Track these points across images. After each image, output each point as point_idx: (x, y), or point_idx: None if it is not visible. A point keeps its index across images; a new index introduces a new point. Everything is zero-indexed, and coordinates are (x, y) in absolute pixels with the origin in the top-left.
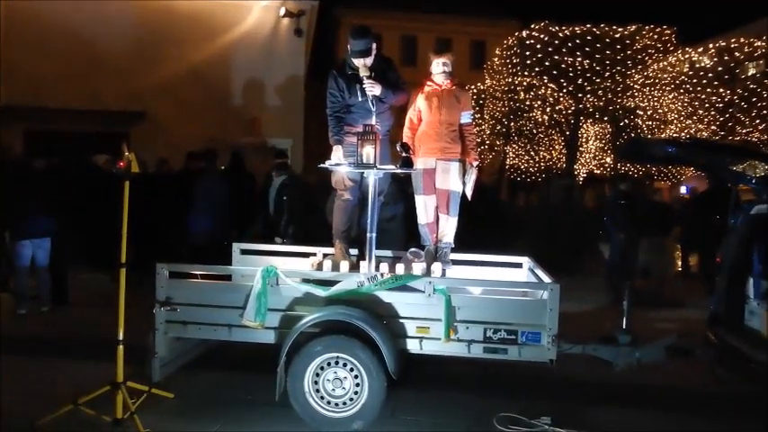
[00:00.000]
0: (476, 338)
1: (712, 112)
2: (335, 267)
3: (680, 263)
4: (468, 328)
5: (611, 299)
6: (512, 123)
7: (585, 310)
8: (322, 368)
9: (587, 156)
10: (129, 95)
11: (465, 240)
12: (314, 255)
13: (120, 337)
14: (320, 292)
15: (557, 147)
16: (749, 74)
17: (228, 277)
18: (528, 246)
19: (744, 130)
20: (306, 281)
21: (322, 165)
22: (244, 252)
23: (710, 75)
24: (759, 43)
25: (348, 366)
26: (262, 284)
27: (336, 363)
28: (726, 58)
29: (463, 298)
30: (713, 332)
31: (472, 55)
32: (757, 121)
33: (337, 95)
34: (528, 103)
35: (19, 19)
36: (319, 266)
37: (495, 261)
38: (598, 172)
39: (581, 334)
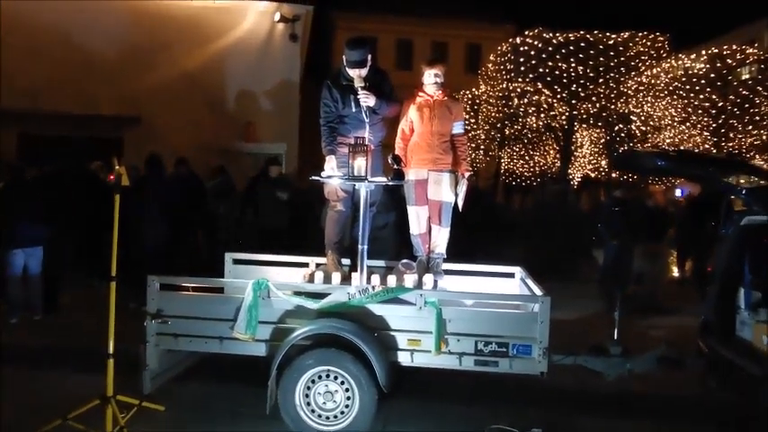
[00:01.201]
0: (467, 351)
1: (705, 118)
2: (327, 279)
3: (674, 269)
4: (459, 340)
5: (605, 306)
6: (506, 129)
7: (579, 317)
8: (313, 381)
9: (582, 160)
10: (124, 100)
11: (461, 245)
12: (306, 265)
13: (111, 350)
14: (311, 304)
15: (551, 152)
16: (742, 79)
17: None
18: (522, 251)
19: (737, 136)
20: (297, 293)
21: (314, 177)
22: (236, 262)
23: (703, 81)
24: (751, 50)
25: (339, 380)
26: (253, 297)
27: (327, 376)
28: (718, 64)
29: (454, 310)
30: (704, 342)
31: (468, 58)
32: (750, 127)
33: (331, 106)
34: (522, 108)
35: (14, 24)
36: (311, 278)
37: (488, 271)
38: (593, 176)
39: (574, 342)
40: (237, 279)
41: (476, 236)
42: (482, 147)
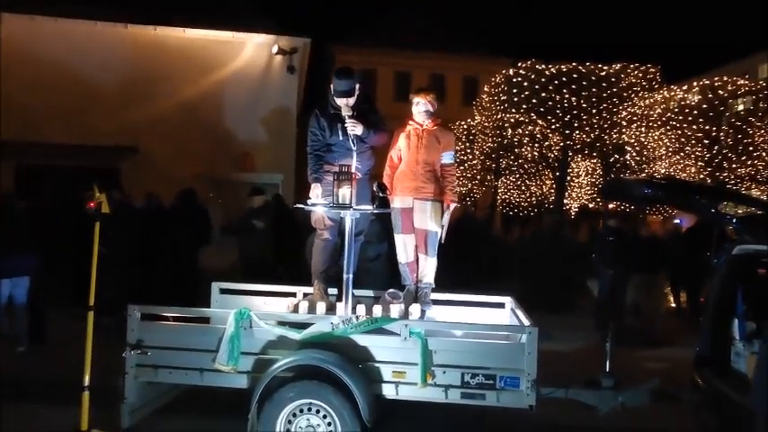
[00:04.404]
0: (453, 383)
1: (699, 149)
2: (312, 308)
3: (670, 300)
4: (445, 372)
5: (599, 337)
6: (502, 159)
7: (574, 349)
8: (294, 415)
9: (579, 190)
10: (122, 130)
11: (456, 276)
12: (294, 295)
13: (86, 382)
14: (294, 335)
15: (547, 182)
16: (735, 111)
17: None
18: (518, 281)
19: (732, 166)
20: (280, 323)
21: (299, 205)
22: (223, 291)
23: (696, 112)
24: (743, 81)
25: (321, 413)
26: (235, 327)
27: (309, 409)
28: (711, 95)
29: (440, 341)
30: (700, 375)
31: (465, 91)
32: (744, 158)
33: (318, 134)
34: (517, 138)
35: (14, 55)
36: (296, 308)
37: (478, 301)
38: (591, 206)
39: (568, 375)
40: (221, 309)
41: (470, 266)
42: (478, 177)
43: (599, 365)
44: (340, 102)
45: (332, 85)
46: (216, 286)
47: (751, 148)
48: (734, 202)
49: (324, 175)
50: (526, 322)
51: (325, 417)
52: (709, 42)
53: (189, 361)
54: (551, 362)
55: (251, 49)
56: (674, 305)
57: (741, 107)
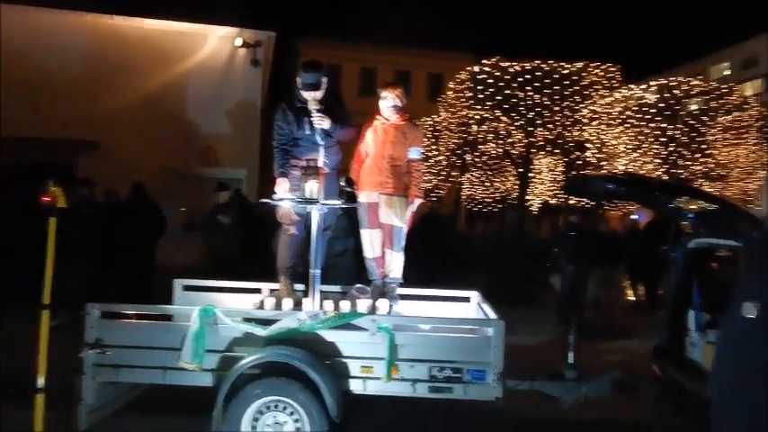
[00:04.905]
0: (421, 377)
1: (656, 146)
2: (279, 305)
3: (629, 294)
4: (413, 366)
5: (562, 331)
6: (466, 155)
7: (538, 343)
8: (261, 412)
9: (541, 187)
10: (81, 123)
11: (422, 271)
12: (260, 291)
13: (41, 384)
14: (260, 331)
15: (511, 178)
16: (689, 110)
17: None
18: (482, 276)
19: (686, 163)
20: (246, 320)
21: (265, 199)
22: (187, 288)
23: (653, 110)
24: (696, 82)
25: (288, 410)
26: (199, 324)
27: (276, 406)
28: (667, 95)
29: (408, 336)
30: (658, 366)
31: (430, 87)
32: (697, 155)
33: (284, 128)
34: (481, 135)
35: None
36: (262, 304)
37: (444, 296)
38: (553, 202)
39: (532, 368)
40: (184, 306)
41: (436, 261)
42: (443, 173)
43: (562, 358)
44: (307, 95)
45: (298, 79)
46: (179, 283)
47: (704, 146)
48: (690, 198)
49: (290, 169)
50: (492, 316)
51: (292, 413)
52: (666, 43)
53: (151, 360)
54: (516, 355)
55: (214, 42)
56: (632, 298)
57: (695, 107)
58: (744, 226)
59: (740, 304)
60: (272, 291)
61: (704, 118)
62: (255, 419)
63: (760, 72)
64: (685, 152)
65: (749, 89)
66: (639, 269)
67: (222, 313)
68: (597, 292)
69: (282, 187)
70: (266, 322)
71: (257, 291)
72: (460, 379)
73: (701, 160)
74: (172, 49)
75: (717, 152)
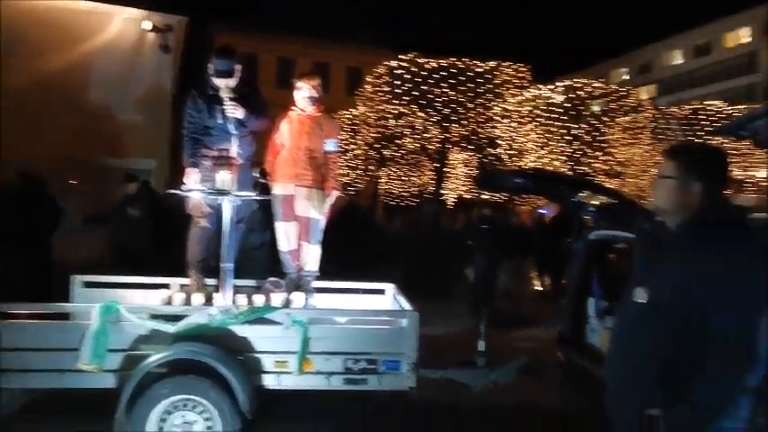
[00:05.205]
0: (336, 370)
1: (562, 144)
2: (189, 300)
3: (537, 284)
4: (327, 359)
5: (474, 321)
6: (384, 149)
7: (452, 332)
8: (169, 412)
9: (456, 182)
10: None
11: (338, 265)
12: (168, 286)
13: None
14: (168, 328)
15: (427, 173)
16: (592, 111)
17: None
18: (399, 269)
19: (588, 161)
20: (153, 316)
21: (173, 190)
22: (88, 285)
23: (560, 110)
24: (597, 84)
25: (198, 408)
26: (100, 323)
27: (185, 405)
28: (572, 95)
29: (323, 329)
30: (561, 351)
31: (349, 81)
32: (598, 153)
33: (195, 116)
34: (399, 130)
35: None
36: (170, 299)
37: (360, 288)
38: (468, 197)
39: (443, 357)
40: (84, 303)
41: (352, 254)
42: (361, 167)
43: (474, 346)
44: (219, 83)
45: (211, 65)
46: (78, 279)
47: (605, 145)
48: (591, 193)
49: (201, 159)
50: (407, 307)
51: (202, 412)
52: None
53: (46, 362)
54: (429, 345)
55: (120, 24)
56: (539, 288)
57: (597, 108)
58: (638, 219)
59: (633, 291)
60: (181, 286)
61: (605, 119)
62: (163, 420)
63: (653, 77)
64: (588, 150)
65: (644, 93)
66: (546, 260)
67: (126, 310)
68: (507, 282)
69: (193, 178)
70: (175, 318)
71: (166, 286)
72: (375, 370)
73: (602, 158)
74: (73, 30)
75: (616, 151)
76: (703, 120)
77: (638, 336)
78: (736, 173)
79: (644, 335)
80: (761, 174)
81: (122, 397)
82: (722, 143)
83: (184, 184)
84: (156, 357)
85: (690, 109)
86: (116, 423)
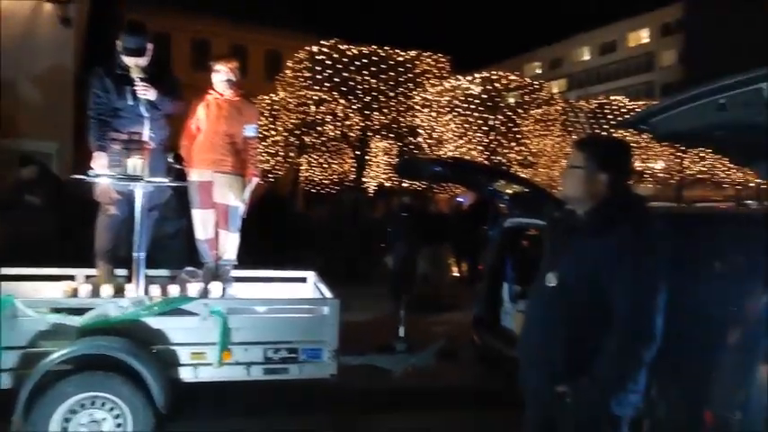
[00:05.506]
0: (256, 360)
1: (479, 135)
2: (96, 292)
3: (454, 270)
4: (247, 349)
5: (394, 307)
6: (305, 136)
7: (372, 319)
8: (74, 411)
9: (377, 170)
10: None
11: (258, 254)
12: (73, 278)
13: None
14: (74, 321)
15: (348, 160)
16: (507, 102)
17: None
18: (320, 257)
19: (504, 151)
20: (55, 310)
21: (77, 175)
22: None
23: (477, 101)
24: (513, 77)
25: (107, 406)
26: None
27: (93, 403)
28: (489, 87)
29: (242, 318)
30: (477, 334)
31: (268, 65)
32: (513, 144)
33: (102, 97)
34: (320, 117)
35: None
36: (76, 292)
37: (280, 277)
38: (388, 185)
39: (364, 343)
40: None
41: (273, 242)
42: (281, 153)
43: (394, 332)
44: (129, 61)
45: (119, 42)
46: None
47: (519, 136)
48: (506, 182)
49: (110, 143)
50: (328, 295)
51: (112, 409)
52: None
53: None
54: (349, 332)
55: None
56: (457, 274)
57: (512, 100)
58: (549, 207)
59: (544, 275)
60: (87, 277)
61: (519, 110)
62: (67, 420)
63: (564, 72)
64: (504, 141)
65: (555, 87)
66: (463, 247)
67: (23, 304)
68: (426, 268)
69: (100, 162)
70: (81, 312)
71: (70, 278)
72: (296, 359)
73: (516, 148)
74: None
75: (529, 142)
76: (608, 113)
77: (548, 318)
78: (638, 164)
79: (553, 317)
80: (658, 165)
81: (20, 397)
82: (625, 136)
83: (91, 168)
84: (57, 354)
85: (597, 103)
86: (12, 424)
